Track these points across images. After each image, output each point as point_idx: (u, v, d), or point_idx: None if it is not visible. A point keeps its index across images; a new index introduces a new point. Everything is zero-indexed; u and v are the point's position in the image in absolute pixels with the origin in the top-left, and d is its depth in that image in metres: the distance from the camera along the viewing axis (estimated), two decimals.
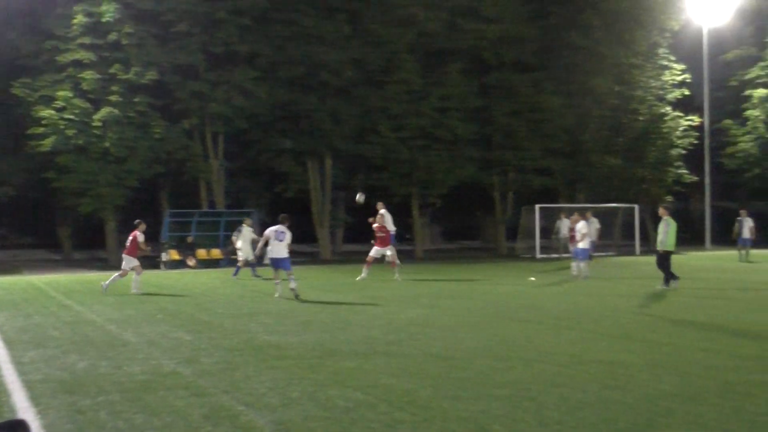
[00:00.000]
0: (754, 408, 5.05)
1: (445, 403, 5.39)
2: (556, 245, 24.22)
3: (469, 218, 38.18)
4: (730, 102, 35.11)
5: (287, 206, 25.21)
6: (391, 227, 16.60)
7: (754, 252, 23.27)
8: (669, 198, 32.99)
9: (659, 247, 13.79)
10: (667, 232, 13.60)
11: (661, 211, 14.22)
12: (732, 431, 4.56)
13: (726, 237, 31.73)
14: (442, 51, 27.21)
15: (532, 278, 16.79)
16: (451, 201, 31.00)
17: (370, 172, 26.74)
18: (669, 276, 13.52)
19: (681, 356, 7.08)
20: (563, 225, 22.65)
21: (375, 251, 16.27)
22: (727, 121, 34.46)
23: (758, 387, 5.66)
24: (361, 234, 31.95)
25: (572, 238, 17.59)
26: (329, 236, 27.45)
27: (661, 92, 32.40)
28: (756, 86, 33.76)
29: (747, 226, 22.39)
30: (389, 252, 16.44)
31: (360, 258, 26.17)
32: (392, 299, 12.59)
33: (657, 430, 4.57)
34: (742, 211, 23.32)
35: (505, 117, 27.76)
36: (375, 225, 16.29)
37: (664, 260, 13.66)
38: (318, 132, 25.26)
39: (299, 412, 5.17)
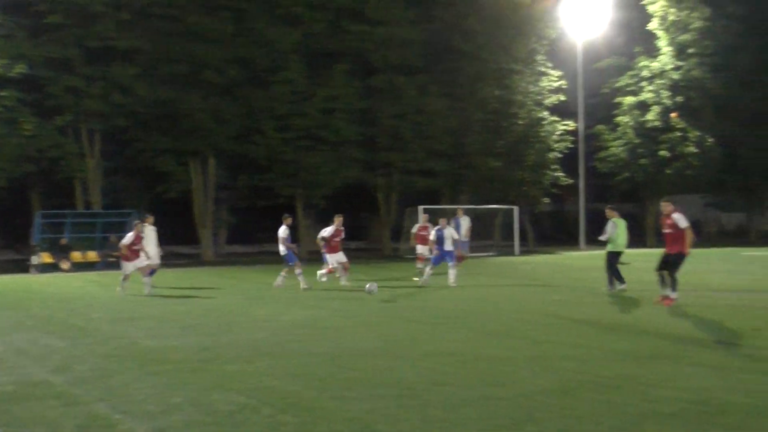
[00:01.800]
0: (624, 400, 6.00)
1: (330, 403, 6.04)
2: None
3: (355, 219, 41.67)
4: (602, 108, 40.88)
5: (168, 207, 27.48)
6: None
7: (629, 252, 27.17)
8: (546, 200, 38.04)
9: (609, 248, 15.16)
10: (616, 232, 15.05)
11: (608, 212, 15.73)
12: (603, 423, 5.36)
13: (599, 237, 37.08)
14: (328, 52, 30.32)
15: (416, 278, 18.80)
16: (336, 202, 34.21)
17: (255, 172, 29.28)
18: (617, 278, 14.90)
19: (558, 353, 8.21)
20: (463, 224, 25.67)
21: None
22: (600, 127, 40.17)
23: (627, 380, 6.72)
24: (245, 235, 34.57)
25: (420, 239, 20.07)
26: (212, 238, 29.72)
27: (539, 97, 37.35)
28: (626, 94, 39.70)
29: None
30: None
31: (243, 260, 28.74)
32: (277, 301, 13.98)
33: (535, 424, 5.35)
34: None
35: (390, 119, 31.28)
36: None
37: (613, 261, 15.03)
38: (201, 131, 27.52)
39: (180, 418, 5.59)
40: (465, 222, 23.11)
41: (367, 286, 13.31)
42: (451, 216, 21.78)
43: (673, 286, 12.44)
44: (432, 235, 17.07)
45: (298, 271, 16.35)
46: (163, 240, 17.73)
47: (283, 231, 16.46)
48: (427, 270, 17.27)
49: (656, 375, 6.98)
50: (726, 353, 8.16)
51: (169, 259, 28.91)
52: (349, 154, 30.84)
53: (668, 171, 39.22)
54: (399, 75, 31.70)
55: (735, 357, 7.93)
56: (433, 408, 5.81)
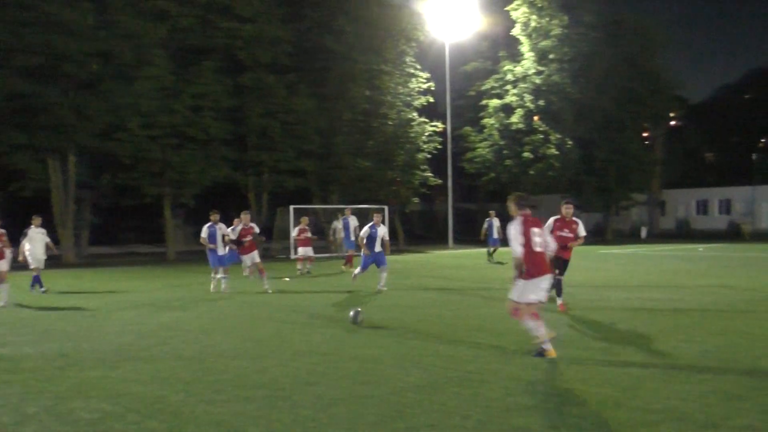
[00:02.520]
0: (490, 394, 6.47)
1: (198, 407, 6.15)
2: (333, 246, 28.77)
3: (225, 219, 42.39)
4: (469, 110, 43.96)
5: (25, 206, 27.21)
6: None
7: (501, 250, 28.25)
8: (416, 200, 40.43)
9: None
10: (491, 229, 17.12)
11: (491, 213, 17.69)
12: (470, 416, 5.77)
13: (467, 236, 39.96)
14: (196, 48, 31.03)
15: (287, 278, 19.74)
16: (205, 201, 34.90)
17: (119, 171, 29.48)
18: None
19: (426, 349, 8.70)
20: (339, 225, 27.18)
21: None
22: (467, 128, 43.26)
23: (493, 375, 7.25)
24: (109, 236, 34.52)
25: (301, 241, 22.18)
26: (73, 239, 29.65)
27: (408, 98, 39.74)
28: (491, 96, 42.98)
29: (495, 227, 26.37)
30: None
31: (107, 261, 28.82)
32: (144, 304, 14.04)
33: (405, 420, 5.71)
34: (491, 212, 27.39)
35: (260, 118, 32.39)
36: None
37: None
38: (60, 127, 27.45)
39: (36, 428, 5.59)
40: (353, 221, 24.66)
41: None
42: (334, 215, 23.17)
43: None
44: (364, 232, 16.32)
45: (214, 275, 16.50)
46: (16, 242, 16.65)
47: (204, 231, 16.47)
48: (357, 271, 16.20)
49: (520, 369, 7.55)
50: (585, 347, 8.85)
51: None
52: (218, 153, 31.65)
53: (531, 172, 42.78)
54: (268, 73, 32.79)
55: (593, 351, 8.60)
56: (303, 408, 6.09)
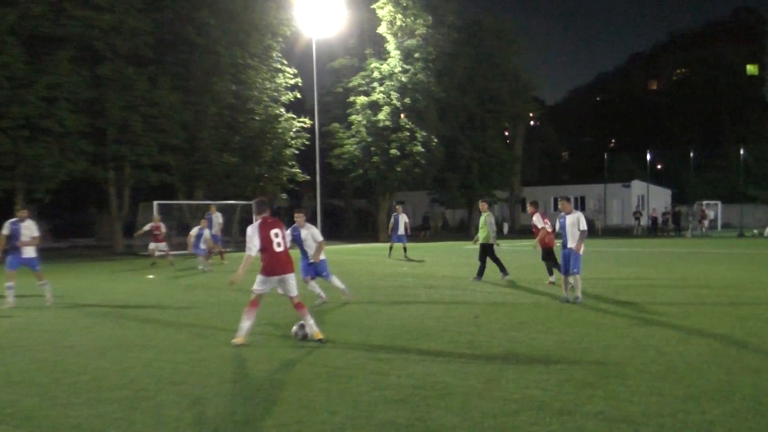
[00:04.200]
0: (357, 389, 6.63)
1: (54, 411, 6.02)
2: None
3: (82, 215, 40.94)
4: (336, 107, 44.66)
5: None
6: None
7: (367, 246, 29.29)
8: (283, 196, 40.63)
9: (488, 240, 16.72)
10: (488, 225, 16.74)
11: (482, 206, 17.20)
12: (338, 412, 5.91)
13: (335, 232, 40.57)
14: (50, 37, 29.80)
15: (151, 276, 19.88)
16: (61, 197, 33.59)
17: None
18: (501, 266, 16.90)
19: (292, 346, 8.85)
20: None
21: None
22: (335, 125, 43.85)
23: (360, 370, 7.45)
24: None
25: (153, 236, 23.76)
26: None
27: (275, 94, 39.87)
28: (358, 93, 43.81)
29: (402, 222, 25.80)
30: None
31: None
32: None
33: (273, 417, 5.81)
34: (398, 207, 26.88)
35: (120, 110, 31.57)
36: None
37: (491, 252, 16.86)
38: None
39: None
40: (217, 218, 24.86)
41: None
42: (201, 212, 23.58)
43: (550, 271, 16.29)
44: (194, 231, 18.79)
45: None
46: None
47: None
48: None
49: (386, 364, 7.76)
50: (450, 340, 9.22)
51: None
52: (74, 146, 30.57)
53: (398, 168, 43.92)
54: (128, 65, 31.99)
55: (458, 343, 8.97)
56: (167, 408, 6.06)
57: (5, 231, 13.63)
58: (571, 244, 12.74)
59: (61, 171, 30.17)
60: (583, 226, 12.75)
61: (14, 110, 28.12)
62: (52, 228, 40.40)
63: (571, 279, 12.92)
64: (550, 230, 15.79)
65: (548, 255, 16.23)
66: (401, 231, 25.80)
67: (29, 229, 13.57)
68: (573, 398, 6.32)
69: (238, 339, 8.91)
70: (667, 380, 6.95)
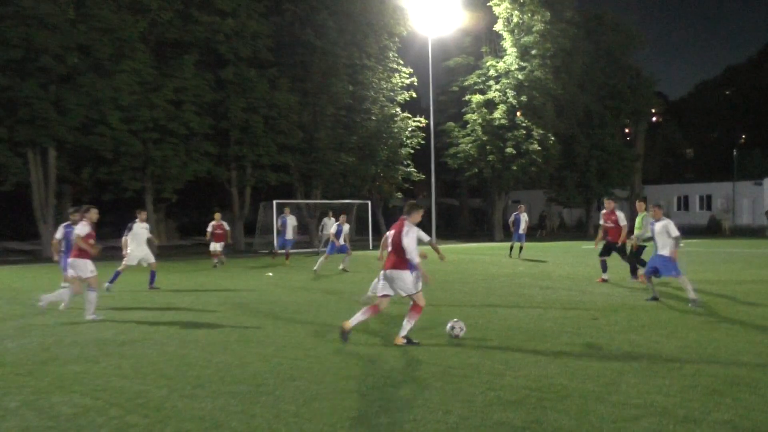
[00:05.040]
0: (472, 389, 6.56)
1: (180, 402, 6.16)
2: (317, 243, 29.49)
3: (207, 214, 42.32)
4: (452, 106, 44.20)
5: (4, 201, 27.01)
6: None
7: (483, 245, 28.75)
8: (398, 195, 40.57)
9: (635, 242, 16.24)
10: (645, 225, 15.59)
11: (639, 205, 16.69)
12: (453, 412, 5.84)
13: (448, 231, 40.15)
14: (177, 42, 31.01)
15: (270, 273, 20.04)
16: (187, 196, 34.84)
17: (99, 165, 29.37)
18: (639, 264, 16.29)
19: (403, 346, 8.69)
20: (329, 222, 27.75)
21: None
22: (450, 124, 43.35)
23: (474, 370, 7.36)
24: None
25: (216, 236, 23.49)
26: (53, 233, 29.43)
27: (391, 94, 39.89)
28: (474, 92, 43.17)
29: (523, 221, 25.45)
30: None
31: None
32: (118, 300, 13.70)
33: (388, 415, 5.76)
34: (521, 206, 26.27)
35: (242, 112, 32.41)
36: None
37: (638, 252, 16.40)
38: (39, 121, 27.29)
39: (18, 423, 5.62)
40: (292, 221, 25.13)
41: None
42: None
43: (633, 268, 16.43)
44: (333, 228, 20.81)
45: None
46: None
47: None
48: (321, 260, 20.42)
49: (501, 364, 7.62)
50: (567, 342, 8.94)
51: (4, 256, 28.56)
52: (199, 148, 31.63)
53: (514, 167, 43.02)
54: (249, 68, 32.82)
55: (575, 345, 8.70)
56: (285, 403, 6.11)
57: (58, 235, 13.71)
58: (662, 251, 12.43)
59: (186, 171, 31.28)
60: (675, 232, 12.33)
61: (144, 114, 29.31)
62: (178, 226, 42.11)
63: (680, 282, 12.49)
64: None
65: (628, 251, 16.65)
66: (522, 230, 25.53)
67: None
68: (698, 405, 5.97)
69: (398, 340, 8.89)
70: None
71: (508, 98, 43.15)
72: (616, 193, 52.82)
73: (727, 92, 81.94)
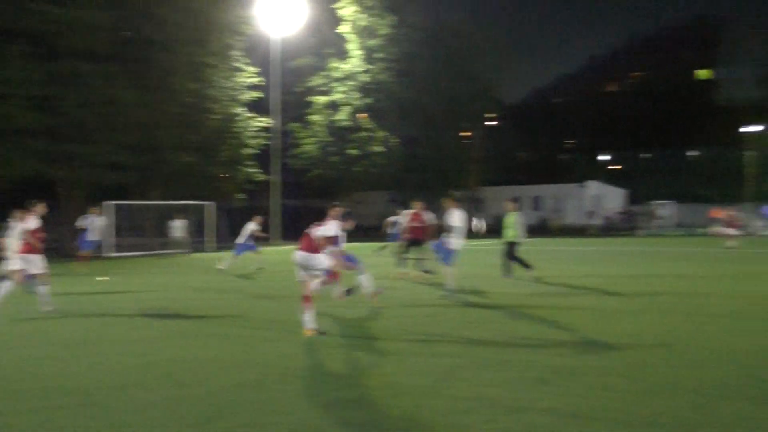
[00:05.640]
0: (313, 390, 6.73)
1: None
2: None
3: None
4: (296, 106, 44.26)
5: None
6: None
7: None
8: (241, 196, 40.17)
9: (512, 239, 17.48)
10: (517, 224, 17.41)
11: (507, 205, 18.03)
12: (293, 413, 5.93)
13: (294, 232, 40.16)
14: (5, 31, 28.81)
15: (105, 278, 19.45)
16: (11, 197, 32.69)
17: None
18: (524, 263, 17.39)
19: (247, 347, 8.82)
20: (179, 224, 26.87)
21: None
22: (294, 124, 43.42)
23: (315, 370, 7.56)
24: None
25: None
26: None
27: (234, 93, 39.34)
28: (318, 93, 43.48)
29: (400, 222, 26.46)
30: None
31: None
32: None
33: (224, 419, 5.77)
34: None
35: (74, 108, 30.74)
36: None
37: (512, 250, 17.61)
38: None
39: None
40: (99, 221, 24.14)
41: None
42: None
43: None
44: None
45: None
46: None
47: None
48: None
49: (343, 364, 7.89)
50: (404, 339, 9.34)
51: None
52: (26, 145, 29.79)
53: (357, 168, 43.92)
54: (85, 62, 31.25)
55: (411, 343, 9.10)
56: (116, 413, 5.96)
57: None
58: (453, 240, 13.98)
59: (10, 170, 29.44)
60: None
61: None
62: None
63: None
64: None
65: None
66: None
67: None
68: (526, 395, 6.45)
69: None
70: (616, 375, 7.16)
71: (352, 100, 43.92)
72: (454, 194, 55.21)
73: (555, 100, 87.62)
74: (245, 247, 21.77)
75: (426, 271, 17.64)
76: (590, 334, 9.57)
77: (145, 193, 36.24)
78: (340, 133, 43.71)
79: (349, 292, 12.65)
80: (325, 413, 5.98)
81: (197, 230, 35.73)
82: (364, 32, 44.65)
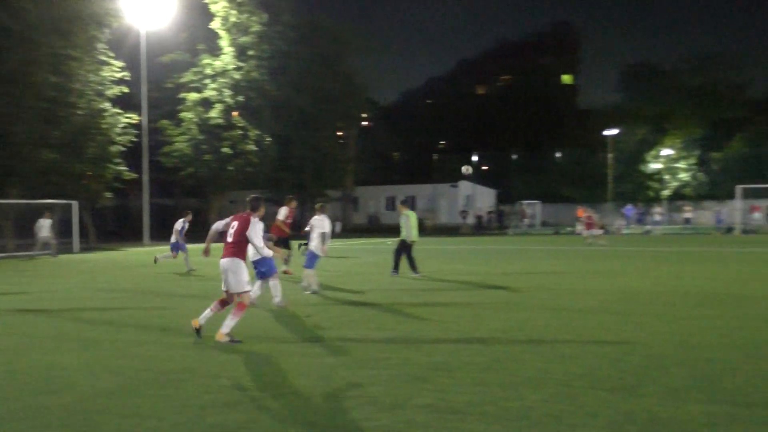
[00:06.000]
0: (186, 393, 6.60)
1: None
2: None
3: None
4: (166, 103, 43.13)
5: None
6: None
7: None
8: (108, 195, 38.74)
9: (405, 239, 18.06)
10: (409, 225, 17.94)
11: (400, 207, 18.57)
12: (166, 418, 5.82)
13: (164, 232, 39.13)
14: None
15: None
16: None
17: None
18: (412, 265, 17.94)
19: (120, 352, 8.57)
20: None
21: None
22: (164, 121, 42.39)
23: (190, 373, 7.40)
24: None
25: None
26: None
27: (100, 87, 37.86)
28: (189, 90, 42.69)
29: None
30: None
31: None
32: None
33: (93, 427, 5.66)
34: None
35: None
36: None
37: (406, 250, 18.11)
38: None
39: None
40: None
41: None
42: None
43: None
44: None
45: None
46: None
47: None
48: None
49: (217, 366, 7.74)
50: (282, 339, 9.32)
51: None
52: None
53: (230, 167, 43.31)
54: None
55: (290, 343, 9.05)
56: None
57: None
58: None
59: None
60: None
61: None
62: None
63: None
64: None
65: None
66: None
67: None
68: (404, 392, 6.59)
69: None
70: (490, 371, 7.42)
71: (224, 97, 43.30)
72: (330, 193, 55.55)
73: (428, 101, 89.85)
74: (180, 246, 21.43)
75: (285, 272, 18.03)
76: (465, 330, 9.92)
77: (3, 192, 34.25)
78: (213, 131, 42.91)
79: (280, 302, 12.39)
80: (200, 417, 5.91)
81: (64, 231, 34.11)
82: (235, 28, 44.08)
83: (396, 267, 18.32)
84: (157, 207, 42.51)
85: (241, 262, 9.14)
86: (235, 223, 9.31)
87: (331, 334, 9.77)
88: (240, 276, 9.07)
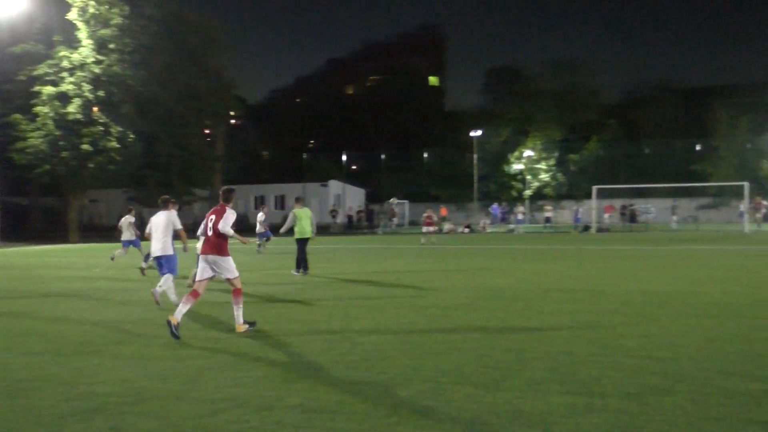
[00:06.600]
0: (42, 402, 6.42)
1: None
2: None
3: None
4: (19, 96, 40.86)
5: None
6: None
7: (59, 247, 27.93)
8: None
9: (299, 236, 18.59)
10: (300, 222, 18.59)
11: (295, 204, 19.25)
12: (14, 429, 5.70)
13: (17, 232, 37.23)
14: None
15: None
16: None
17: None
18: (304, 263, 18.48)
19: None
20: None
21: None
22: (17, 116, 40.17)
23: (46, 382, 7.18)
24: None
25: None
26: None
27: None
28: (45, 83, 40.66)
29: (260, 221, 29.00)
30: None
31: None
32: None
33: None
34: (264, 206, 29.38)
35: None
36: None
37: (305, 246, 18.59)
38: None
39: None
40: None
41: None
42: None
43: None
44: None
45: None
46: None
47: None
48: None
49: (75, 372, 7.54)
50: (147, 344, 9.13)
51: None
52: None
53: (91, 165, 41.58)
54: None
55: (156, 347, 8.89)
56: None
57: None
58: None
59: None
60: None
61: None
62: None
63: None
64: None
65: None
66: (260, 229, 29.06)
67: None
68: (273, 393, 6.63)
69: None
70: (361, 369, 7.56)
71: (83, 92, 41.49)
72: (197, 192, 54.47)
73: (297, 100, 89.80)
74: (131, 243, 21.97)
75: (142, 269, 18.73)
76: (334, 328, 10.11)
77: None
78: (72, 127, 40.97)
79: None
80: (60, 426, 5.74)
81: None
82: (94, 20, 42.29)
83: (301, 265, 18.69)
84: (10, 206, 40.16)
85: (224, 258, 9.78)
86: (213, 216, 9.91)
87: (199, 336, 9.70)
88: (228, 263, 9.76)
